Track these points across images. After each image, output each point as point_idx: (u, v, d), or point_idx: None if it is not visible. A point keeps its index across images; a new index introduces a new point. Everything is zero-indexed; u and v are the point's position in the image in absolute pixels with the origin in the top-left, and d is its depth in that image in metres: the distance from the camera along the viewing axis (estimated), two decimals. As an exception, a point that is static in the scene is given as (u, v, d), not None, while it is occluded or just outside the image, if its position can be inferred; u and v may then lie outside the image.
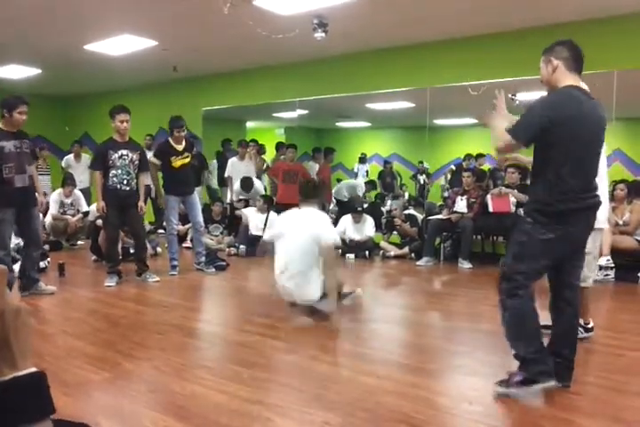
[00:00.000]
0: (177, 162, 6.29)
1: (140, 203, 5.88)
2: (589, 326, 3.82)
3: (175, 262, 6.34)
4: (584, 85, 3.21)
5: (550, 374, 2.73)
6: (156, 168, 6.36)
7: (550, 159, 2.69)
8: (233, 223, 8.78)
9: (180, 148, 6.34)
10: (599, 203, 2.81)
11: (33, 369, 0.75)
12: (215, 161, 10.52)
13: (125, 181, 5.72)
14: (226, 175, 9.38)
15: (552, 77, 2.81)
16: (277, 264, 4.50)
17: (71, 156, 10.59)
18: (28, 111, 4.97)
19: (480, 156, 9.06)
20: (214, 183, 10.48)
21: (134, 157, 5.79)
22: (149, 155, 10.02)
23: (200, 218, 6.53)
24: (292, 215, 4.68)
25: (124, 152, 5.72)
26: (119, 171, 5.68)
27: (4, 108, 4.91)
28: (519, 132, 2.68)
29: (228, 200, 9.39)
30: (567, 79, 2.77)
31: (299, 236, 4.39)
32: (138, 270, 5.98)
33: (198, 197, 6.90)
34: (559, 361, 2.85)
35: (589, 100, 2.76)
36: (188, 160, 6.37)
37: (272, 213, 8.42)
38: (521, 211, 2.90)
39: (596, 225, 3.51)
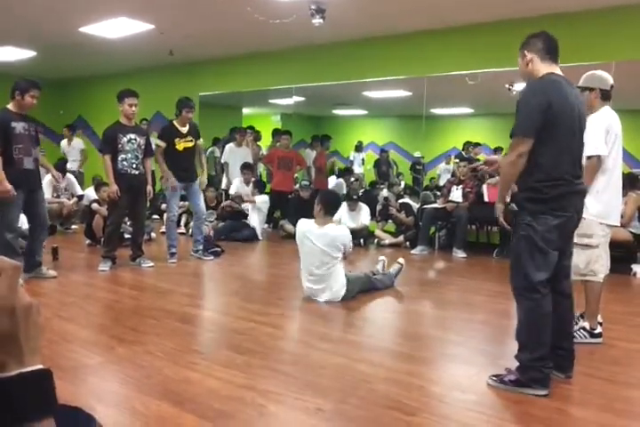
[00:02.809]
0: (181, 144, 6.21)
1: (149, 187, 5.88)
2: (596, 331, 3.65)
3: (174, 250, 6.28)
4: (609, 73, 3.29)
5: (545, 384, 2.72)
6: (160, 151, 6.24)
7: (537, 145, 2.67)
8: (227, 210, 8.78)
9: (184, 130, 6.26)
10: (585, 189, 2.88)
11: (39, 366, 0.74)
12: (216, 148, 10.47)
13: (135, 165, 5.70)
14: (222, 161, 9.33)
15: (527, 70, 2.86)
16: (303, 269, 4.73)
17: (65, 140, 10.65)
18: (39, 96, 4.98)
19: (476, 145, 9.06)
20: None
21: (141, 141, 5.77)
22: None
23: (202, 206, 6.51)
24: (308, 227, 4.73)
25: (133, 136, 5.70)
26: (129, 155, 5.66)
27: (16, 90, 4.88)
28: (523, 127, 2.68)
29: (224, 186, 9.35)
30: (543, 69, 2.80)
31: (316, 245, 4.60)
32: (133, 255, 5.95)
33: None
34: (561, 354, 2.86)
35: (570, 87, 2.81)
36: (191, 144, 6.28)
37: (263, 197, 8.45)
38: (513, 206, 2.89)
39: (611, 222, 3.55)
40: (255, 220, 8.37)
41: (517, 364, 2.79)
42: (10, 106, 4.92)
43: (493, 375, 2.85)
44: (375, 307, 4.72)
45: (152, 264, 5.89)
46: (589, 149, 3.40)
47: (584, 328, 3.63)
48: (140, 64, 10.91)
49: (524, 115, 2.69)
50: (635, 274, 6.08)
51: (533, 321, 2.74)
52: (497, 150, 8.94)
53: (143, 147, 5.80)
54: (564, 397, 2.70)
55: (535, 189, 2.71)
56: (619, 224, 3.77)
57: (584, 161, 3.07)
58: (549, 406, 2.62)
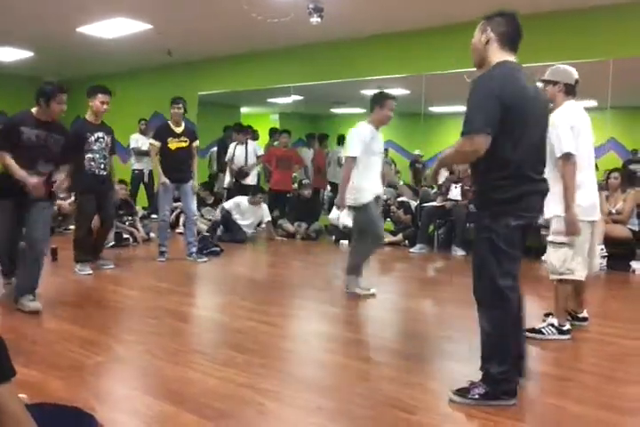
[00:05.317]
0: (173, 144, 6.19)
1: (116, 189, 5.68)
2: (565, 328, 3.60)
3: (164, 249, 6.28)
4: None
5: (514, 394, 2.57)
6: (155, 151, 6.26)
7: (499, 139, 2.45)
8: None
9: (178, 130, 6.26)
10: (547, 189, 2.66)
11: None
12: (215, 148, 10.46)
13: (102, 166, 5.48)
14: (226, 159, 9.26)
15: (484, 49, 2.67)
16: None
17: None
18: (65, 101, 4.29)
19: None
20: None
21: (108, 140, 5.55)
22: (142, 139, 9.92)
23: (193, 206, 6.43)
24: None
25: (100, 135, 5.45)
26: (96, 155, 5.41)
27: (40, 96, 4.15)
28: (485, 124, 2.40)
29: (225, 185, 9.34)
30: (501, 56, 2.60)
31: None
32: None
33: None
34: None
35: (528, 79, 2.62)
36: (185, 144, 6.24)
37: (266, 209, 8.35)
38: (472, 207, 2.88)
39: (590, 218, 3.54)
40: (248, 223, 8.25)
41: (483, 375, 2.61)
42: (34, 110, 4.23)
43: (456, 391, 2.61)
44: (374, 305, 4.72)
45: (112, 266, 5.76)
46: (557, 151, 3.37)
47: (552, 325, 3.62)
48: (138, 64, 10.90)
49: (482, 109, 2.46)
50: (634, 271, 6.08)
51: (501, 331, 2.57)
52: None
53: (109, 146, 5.57)
54: (562, 394, 2.70)
55: (495, 188, 2.52)
56: (597, 219, 3.68)
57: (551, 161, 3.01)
58: (548, 403, 2.62)
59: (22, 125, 4.12)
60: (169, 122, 6.37)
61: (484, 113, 2.44)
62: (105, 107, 5.45)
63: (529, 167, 2.51)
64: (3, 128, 4.24)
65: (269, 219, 8.32)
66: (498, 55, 2.60)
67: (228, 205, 8.18)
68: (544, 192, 2.62)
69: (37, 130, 4.15)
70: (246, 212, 8.13)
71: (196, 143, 6.46)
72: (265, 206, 8.31)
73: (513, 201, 2.49)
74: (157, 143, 6.23)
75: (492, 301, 2.60)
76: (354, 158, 4.64)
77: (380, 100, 4.79)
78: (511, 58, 2.60)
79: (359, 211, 4.76)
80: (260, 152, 9.12)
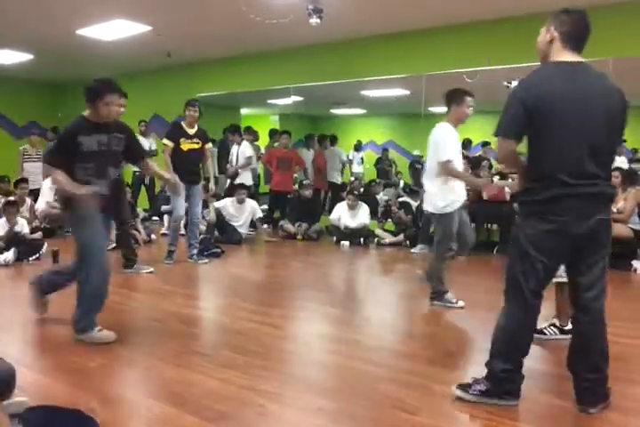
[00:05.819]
0: (186, 145, 6.15)
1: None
2: (566, 328, 3.54)
3: (173, 248, 6.25)
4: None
5: (516, 395, 2.58)
6: (168, 151, 6.18)
7: (531, 142, 2.49)
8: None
9: (191, 131, 6.22)
10: (599, 192, 2.48)
11: None
12: (215, 149, 10.44)
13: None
14: (229, 160, 9.26)
15: (547, 48, 2.58)
16: None
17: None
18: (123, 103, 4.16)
19: (485, 144, 9.04)
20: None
21: None
22: (142, 140, 9.89)
23: (198, 209, 6.35)
24: None
25: None
26: None
27: (88, 98, 3.60)
28: (504, 128, 2.47)
29: (227, 185, 9.33)
30: (560, 55, 2.52)
31: None
32: (127, 263, 5.74)
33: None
34: (581, 383, 2.57)
35: (585, 77, 2.50)
36: (197, 146, 6.21)
37: (254, 205, 8.31)
38: (515, 206, 2.65)
39: None
40: (243, 222, 8.26)
41: (487, 372, 2.62)
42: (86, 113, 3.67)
43: (459, 385, 2.68)
44: (375, 306, 4.71)
45: (151, 269, 5.76)
46: None
47: (554, 325, 3.63)
48: (137, 66, 10.89)
49: (508, 114, 2.47)
50: (635, 270, 6.07)
51: (514, 329, 2.58)
52: (485, 144, 8.97)
53: None
54: (566, 394, 2.68)
55: (527, 190, 2.53)
56: None
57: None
58: (553, 404, 2.62)
59: (79, 135, 3.56)
60: (182, 123, 6.30)
61: (506, 116, 2.49)
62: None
63: (562, 170, 2.39)
64: (59, 141, 3.77)
65: (261, 215, 8.35)
66: (558, 55, 2.53)
67: (218, 204, 8.22)
68: (583, 195, 2.42)
69: (97, 135, 3.61)
70: (235, 212, 8.13)
71: (209, 145, 6.48)
72: (252, 201, 8.32)
73: (542, 203, 2.44)
74: (170, 143, 6.18)
75: (514, 298, 2.58)
76: (450, 161, 4.37)
77: (456, 96, 4.53)
78: (573, 57, 2.52)
79: (441, 219, 4.56)
80: (249, 153, 9.02)
